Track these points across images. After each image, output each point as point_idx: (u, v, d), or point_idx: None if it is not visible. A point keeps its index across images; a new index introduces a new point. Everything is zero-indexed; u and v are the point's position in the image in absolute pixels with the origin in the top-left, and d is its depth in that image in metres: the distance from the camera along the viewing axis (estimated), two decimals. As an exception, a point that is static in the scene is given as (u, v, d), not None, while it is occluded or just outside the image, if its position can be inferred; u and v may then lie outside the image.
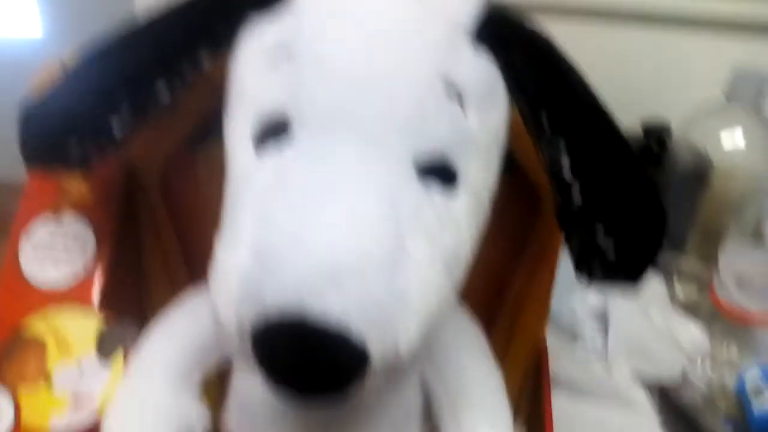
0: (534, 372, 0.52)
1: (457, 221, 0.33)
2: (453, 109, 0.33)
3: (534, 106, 0.36)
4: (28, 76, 0.43)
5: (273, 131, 0.33)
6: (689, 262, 0.74)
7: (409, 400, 0.41)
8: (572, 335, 0.66)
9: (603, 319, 0.66)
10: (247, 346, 0.29)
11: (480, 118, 0.34)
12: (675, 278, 0.73)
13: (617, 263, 0.36)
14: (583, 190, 0.35)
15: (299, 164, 0.31)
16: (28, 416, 0.40)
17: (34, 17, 1.80)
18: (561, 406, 0.51)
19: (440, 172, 0.33)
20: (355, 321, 0.28)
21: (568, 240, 0.38)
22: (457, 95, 0.33)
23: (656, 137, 0.78)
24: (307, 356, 0.29)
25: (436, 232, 0.32)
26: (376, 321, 0.29)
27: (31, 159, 0.38)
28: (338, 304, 0.28)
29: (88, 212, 0.45)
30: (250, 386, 0.40)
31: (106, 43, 0.37)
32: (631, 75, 0.86)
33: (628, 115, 0.77)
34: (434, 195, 0.32)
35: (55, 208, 0.44)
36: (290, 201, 0.30)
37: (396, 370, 0.31)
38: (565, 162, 0.35)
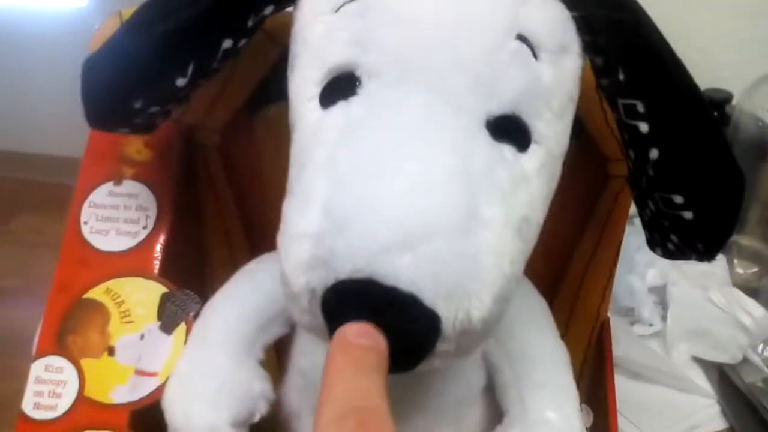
0: (596, 349, 0.51)
1: (530, 182, 0.32)
2: (527, 63, 0.32)
3: (610, 63, 0.34)
4: (74, 45, 0.43)
5: (341, 84, 0.32)
6: (750, 240, 0.72)
7: (472, 375, 0.40)
8: (630, 314, 0.65)
9: (662, 299, 0.65)
10: (317, 308, 0.29)
11: (554, 71, 0.33)
12: (735, 257, 0.71)
13: (694, 234, 0.35)
14: (661, 155, 0.34)
15: (368, 119, 0.30)
16: (92, 387, 0.40)
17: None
18: (618, 386, 0.50)
19: (513, 130, 0.32)
20: (426, 285, 0.27)
21: (641, 209, 0.37)
22: (530, 47, 0.32)
23: (716, 107, 0.76)
24: (377, 319, 0.28)
25: (508, 193, 0.31)
26: (448, 286, 0.28)
27: (95, 121, 0.37)
28: (409, 268, 0.27)
29: (149, 177, 0.44)
30: (311, 357, 0.40)
31: (170, 4, 0.35)
32: (692, 41, 0.84)
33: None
34: (507, 152, 0.31)
35: (116, 175, 0.44)
36: (361, 160, 0.29)
37: (468, 340, 0.30)
38: (642, 126, 0.34)
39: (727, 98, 0.76)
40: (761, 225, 0.73)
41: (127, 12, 0.40)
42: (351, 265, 0.28)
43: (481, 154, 0.30)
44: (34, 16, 1.82)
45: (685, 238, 0.35)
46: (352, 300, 0.28)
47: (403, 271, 0.27)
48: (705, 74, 0.81)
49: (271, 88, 0.43)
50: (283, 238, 0.31)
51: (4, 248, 1.36)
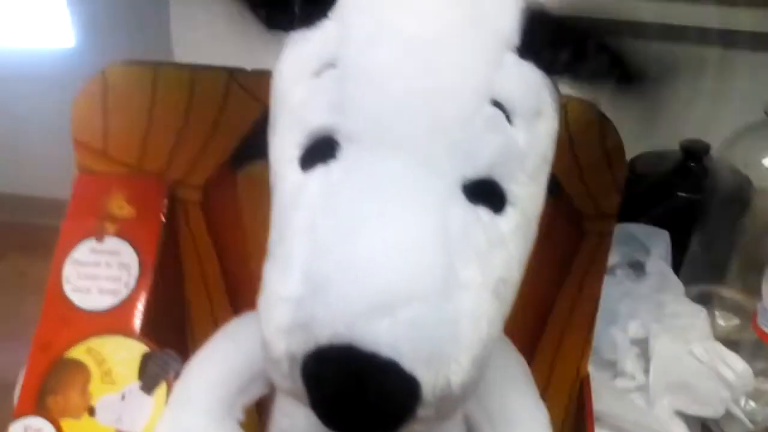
0: (576, 404, 0.52)
1: (506, 243, 0.33)
2: (501, 128, 0.33)
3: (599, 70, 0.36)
4: (62, 86, 0.44)
5: (320, 148, 0.33)
6: (731, 292, 0.72)
7: (454, 434, 0.41)
8: (612, 367, 0.65)
9: (644, 352, 0.65)
10: (296, 374, 0.29)
11: (528, 135, 0.34)
12: (716, 309, 0.71)
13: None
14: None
15: (347, 183, 0.31)
16: (73, 448, 0.40)
17: (66, 27, 1.82)
18: (601, 441, 0.50)
19: (488, 192, 0.33)
20: (405, 350, 0.28)
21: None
22: (504, 113, 0.33)
23: (696, 158, 0.78)
24: (356, 385, 0.28)
25: (485, 254, 0.32)
26: (427, 351, 0.28)
27: None
28: (389, 334, 0.28)
29: (131, 235, 0.45)
30: (292, 418, 0.40)
31: None
32: (669, 93, 0.85)
33: (667, 135, 0.76)
34: (483, 215, 0.32)
35: (98, 231, 0.44)
36: (339, 224, 0.30)
37: (447, 404, 0.30)
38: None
39: (705, 149, 0.77)
40: (741, 276, 0.74)
41: (111, 71, 0.41)
42: (330, 330, 0.28)
43: (458, 216, 0.31)
44: (22, 57, 1.83)
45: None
46: (332, 366, 0.29)
47: (382, 337, 0.28)
48: (684, 125, 0.83)
49: (253, 145, 0.44)
50: (263, 302, 0.31)
51: (-10, 292, 1.34)
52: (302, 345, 0.29)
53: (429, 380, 0.29)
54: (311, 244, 0.30)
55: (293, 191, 0.33)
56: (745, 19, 0.82)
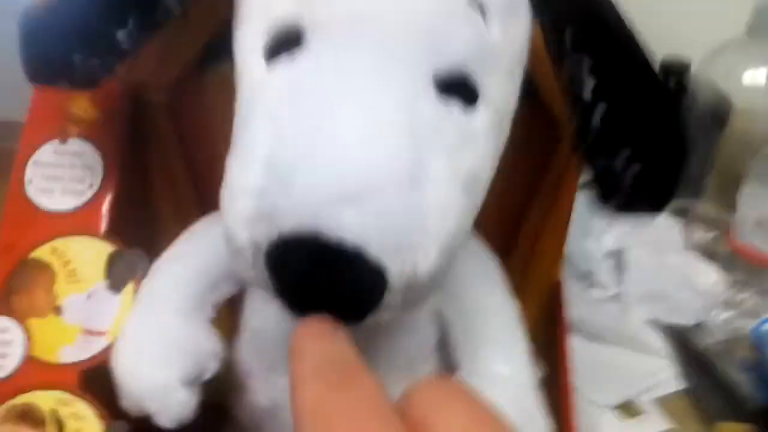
0: (549, 310, 0.52)
1: (477, 139, 0.33)
2: (475, 21, 0.32)
3: (558, 22, 0.35)
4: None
5: (285, 41, 0.32)
6: (707, 207, 0.73)
7: (424, 331, 0.41)
8: (587, 278, 0.65)
9: (619, 263, 0.66)
10: (261, 264, 0.29)
11: (502, 31, 0.33)
12: (692, 223, 0.72)
13: (639, 190, 0.36)
14: (606, 111, 0.35)
15: (313, 73, 0.30)
16: (39, 347, 0.40)
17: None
18: (575, 348, 0.50)
19: (460, 87, 0.32)
20: (371, 239, 0.28)
21: (587, 166, 0.37)
22: (479, 6, 0.32)
23: (675, 76, 0.77)
24: (322, 274, 0.28)
25: (455, 150, 0.31)
26: (394, 240, 0.28)
27: (35, 77, 0.37)
28: (354, 222, 0.27)
29: (95, 135, 0.44)
30: (262, 315, 0.40)
31: None
32: (650, 10, 0.84)
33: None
34: (454, 110, 0.32)
35: (61, 133, 0.44)
36: (304, 113, 0.29)
37: (414, 293, 0.30)
38: (589, 81, 0.35)
39: (685, 66, 0.77)
40: (719, 191, 0.74)
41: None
42: (295, 219, 0.28)
43: (428, 109, 0.31)
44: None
45: (635, 191, 0.36)
46: (297, 254, 0.28)
47: (348, 225, 0.27)
48: (663, 42, 0.82)
49: (220, 45, 0.43)
50: (225, 192, 0.31)
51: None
52: (266, 234, 0.28)
53: (396, 268, 0.28)
54: (274, 134, 0.30)
55: (257, 82, 0.32)
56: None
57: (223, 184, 0.31)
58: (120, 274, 0.41)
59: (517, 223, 0.51)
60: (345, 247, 0.27)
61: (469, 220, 0.33)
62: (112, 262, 0.42)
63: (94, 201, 0.43)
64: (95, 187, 0.43)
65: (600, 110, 0.35)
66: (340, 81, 0.30)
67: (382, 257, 0.28)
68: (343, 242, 0.27)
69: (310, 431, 0.22)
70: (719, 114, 0.74)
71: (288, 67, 0.31)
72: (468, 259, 0.41)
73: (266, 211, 0.28)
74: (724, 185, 0.74)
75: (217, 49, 0.44)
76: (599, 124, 0.35)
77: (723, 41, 0.73)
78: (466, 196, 0.32)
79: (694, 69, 0.77)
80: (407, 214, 0.29)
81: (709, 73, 0.74)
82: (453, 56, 0.32)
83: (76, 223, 0.42)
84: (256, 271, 0.30)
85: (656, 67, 0.35)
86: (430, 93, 0.31)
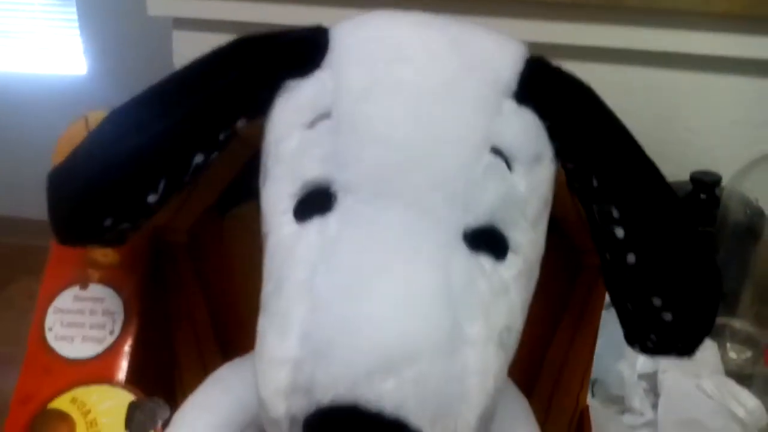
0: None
1: (509, 290, 0.33)
2: (501, 175, 0.33)
3: (583, 169, 0.35)
4: (73, 112, 0.43)
5: (315, 200, 0.32)
6: (743, 324, 0.71)
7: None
8: (620, 403, 0.63)
9: (653, 386, 0.64)
10: None
11: (528, 180, 0.34)
12: (727, 341, 0.69)
13: (673, 333, 0.35)
14: (638, 260, 0.34)
15: (345, 236, 0.31)
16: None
17: (79, 54, 1.85)
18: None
19: (490, 240, 0.32)
20: (411, 409, 0.28)
21: (618, 308, 0.37)
22: (504, 160, 0.33)
23: (706, 189, 0.76)
24: None
25: (489, 306, 0.31)
26: (434, 409, 0.28)
27: (64, 237, 0.37)
28: (393, 392, 0.27)
29: (115, 280, 0.44)
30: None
31: (142, 115, 0.36)
32: (680, 123, 0.84)
33: (677, 166, 0.75)
34: (485, 263, 0.32)
35: (81, 278, 0.44)
36: (339, 282, 0.30)
37: None
38: (619, 231, 0.34)
39: (716, 180, 0.76)
40: (753, 307, 0.72)
41: (94, 117, 0.40)
42: (333, 392, 0.28)
43: (461, 268, 0.31)
44: (35, 83, 1.87)
45: (665, 337, 0.36)
46: (336, 427, 0.28)
47: (387, 396, 0.27)
48: (694, 156, 0.82)
49: (240, 188, 0.43)
50: (259, 361, 0.31)
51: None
52: (304, 407, 0.28)
53: None
54: (310, 303, 0.30)
55: (288, 244, 0.33)
56: (757, 46, 0.80)
57: (257, 350, 0.31)
58: (141, 424, 0.41)
59: (543, 350, 0.51)
60: (385, 418, 0.27)
61: (504, 375, 0.33)
62: (133, 411, 0.41)
63: (115, 348, 0.43)
64: (116, 334, 0.43)
65: (631, 259, 0.34)
66: (372, 245, 0.30)
67: (423, 427, 0.28)
68: (383, 413, 0.27)
69: None
70: (753, 228, 0.72)
71: (319, 229, 0.32)
72: (500, 400, 0.41)
73: (303, 384, 0.28)
74: (759, 301, 0.72)
75: (235, 192, 0.45)
76: (630, 272, 0.35)
77: (754, 155, 0.72)
78: (502, 351, 0.32)
79: (725, 183, 0.76)
80: (446, 382, 0.29)
81: (741, 187, 0.73)
82: (481, 212, 0.32)
83: (96, 371, 0.42)
84: None
85: (682, 190, 0.35)
86: (462, 250, 0.31)
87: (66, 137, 0.41)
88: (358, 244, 0.30)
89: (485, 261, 0.32)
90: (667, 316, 0.35)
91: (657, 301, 0.34)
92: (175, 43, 0.90)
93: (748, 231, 0.72)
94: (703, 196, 0.76)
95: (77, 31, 1.83)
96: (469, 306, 0.30)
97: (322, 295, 0.30)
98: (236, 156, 0.42)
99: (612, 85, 0.36)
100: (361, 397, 0.27)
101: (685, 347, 0.37)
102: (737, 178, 0.73)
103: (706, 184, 0.76)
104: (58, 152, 0.37)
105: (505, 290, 0.32)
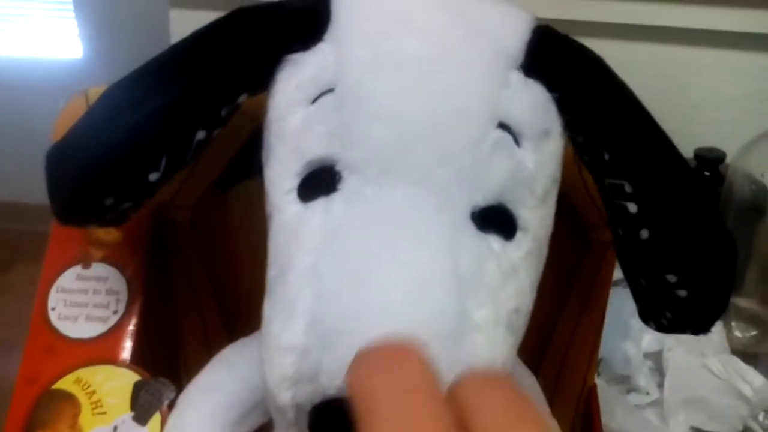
0: (584, 417, 0.51)
1: (518, 271, 0.32)
2: (509, 151, 0.32)
3: (594, 143, 0.35)
4: (69, 95, 0.42)
5: (320, 178, 0.32)
6: (748, 302, 0.70)
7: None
8: (626, 382, 0.63)
9: (658, 365, 0.63)
10: (303, 423, 0.29)
11: (536, 156, 0.33)
12: (732, 320, 0.69)
13: (688, 310, 0.35)
14: (651, 236, 0.34)
15: (351, 219, 0.30)
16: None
17: (74, 38, 1.84)
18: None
19: (498, 219, 0.32)
20: None
21: (632, 284, 0.37)
22: (512, 135, 0.32)
23: (710, 166, 0.75)
24: None
25: (498, 289, 0.31)
26: None
27: (64, 217, 0.36)
28: None
29: (119, 258, 0.44)
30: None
31: (139, 92, 0.35)
32: (684, 100, 0.83)
33: (681, 142, 0.75)
34: (494, 243, 0.32)
35: (84, 257, 0.43)
36: (346, 269, 0.29)
37: None
38: (632, 206, 0.34)
39: (720, 157, 0.76)
40: (759, 286, 0.72)
41: (94, 92, 0.39)
42: (339, 382, 0.27)
43: (469, 250, 0.30)
44: (31, 67, 1.86)
45: (680, 314, 0.35)
46: (342, 417, 0.27)
47: None
48: (698, 132, 0.81)
49: (243, 164, 0.43)
50: (266, 348, 0.31)
51: (1, 299, 1.36)
52: (309, 396, 0.28)
53: None
54: (315, 290, 0.29)
55: (293, 225, 0.32)
56: (762, 21, 0.79)
57: (263, 336, 0.31)
58: (146, 404, 0.40)
59: (550, 328, 0.51)
60: None
61: (514, 354, 0.33)
62: (138, 391, 0.41)
63: (119, 327, 0.42)
64: (120, 313, 0.42)
65: (644, 235, 0.34)
66: (379, 231, 0.30)
67: None
68: None
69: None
70: (757, 205, 0.72)
71: (325, 211, 0.31)
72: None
73: (309, 373, 0.28)
74: (764, 279, 0.72)
75: (237, 168, 0.44)
76: (644, 248, 0.34)
77: (758, 132, 0.71)
78: (511, 333, 0.31)
79: (729, 160, 0.75)
80: (455, 369, 0.28)
81: (745, 164, 0.72)
82: (490, 190, 0.31)
83: (100, 351, 0.42)
84: (298, 429, 0.29)
85: (699, 179, 0.34)
86: (471, 230, 0.31)
87: (66, 113, 0.41)
88: (364, 228, 0.30)
89: (494, 241, 0.31)
90: (682, 293, 0.34)
91: (671, 278, 0.34)
92: (172, 22, 0.89)
93: (753, 208, 0.72)
94: (707, 173, 0.75)
95: (72, 14, 1.81)
96: (478, 290, 0.30)
97: (328, 283, 0.29)
98: (238, 131, 0.41)
99: (614, 61, 0.35)
100: None
101: (701, 324, 0.36)
102: (742, 154, 0.72)
103: (709, 161, 0.75)
104: (58, 128, 0.37)
105: (514, 271, 0.32)
